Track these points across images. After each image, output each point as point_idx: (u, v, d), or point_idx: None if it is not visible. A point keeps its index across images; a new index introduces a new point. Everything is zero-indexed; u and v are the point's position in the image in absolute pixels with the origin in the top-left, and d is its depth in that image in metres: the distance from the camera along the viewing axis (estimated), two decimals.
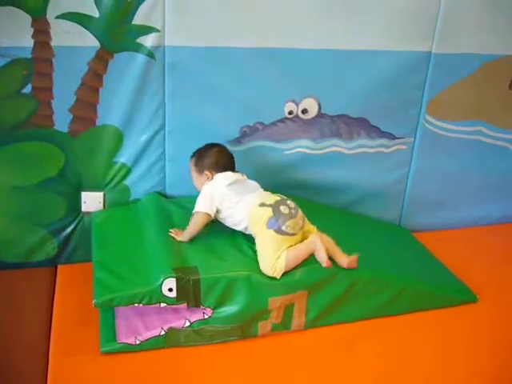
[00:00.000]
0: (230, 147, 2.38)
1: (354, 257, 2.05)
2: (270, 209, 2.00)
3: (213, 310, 1.96)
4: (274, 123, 2.43)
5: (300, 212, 2.05)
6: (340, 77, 2.42)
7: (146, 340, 1.94)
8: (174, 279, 1.89)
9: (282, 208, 2.01)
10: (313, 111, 2.46)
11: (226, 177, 2.12)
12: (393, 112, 2.56)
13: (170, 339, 1.96)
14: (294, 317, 2.06)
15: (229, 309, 1.98)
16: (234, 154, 2.39)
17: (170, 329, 1.95)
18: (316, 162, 2.55)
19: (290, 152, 2.51)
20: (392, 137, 2.61)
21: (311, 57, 2.35)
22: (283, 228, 1.98)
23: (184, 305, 1.93)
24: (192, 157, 2.21)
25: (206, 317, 1.97)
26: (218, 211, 2.08)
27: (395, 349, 2.04)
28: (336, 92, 2.45)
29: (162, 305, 1.91)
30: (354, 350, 2.03)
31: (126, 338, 1.94)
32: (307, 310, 2.07)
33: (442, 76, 2.54)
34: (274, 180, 2.51)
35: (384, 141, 2.61)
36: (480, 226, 2.94)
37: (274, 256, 1.96)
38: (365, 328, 2.12)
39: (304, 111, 2.45)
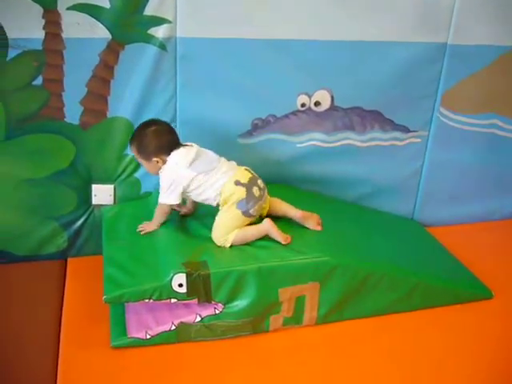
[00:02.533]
0: (241, 140, 2.38)
1: (312, 213, 2.15)
2: (244, 189, 2.00)
3: (224, 304, 1.95)
4: (286, 116, 2.40)
5: (266, 193, 2.08)
6: (353, 69, 2.39)
7: (157, 335, 1.93)
8: (184, 274, 1.88)
9: (255, 190, 2.02)
10: (325, 103, 2.43)
11: (182, 157, 2.02)
12: (407, 104, 2.52)
13: (181, 334, 1.95)
14: (306, 311, 2.05)
15: (240, 303, 1.97)
16: (246, 147, 2.39)
17: (181, 324, 1.95)
18: (329, 154, 2.52)
19: (302, 145, 2.48)
20: (406, 130, 2.58)
21: (324, 48, 2.32)
22: (251, 211, 2.01)
23: (195, 300, 1.92)
24: (131, 144, 2.10)
25: (217, 312, 1.96)
26: (184, 192, 2.04)
27: (409, 345, 2.02)
28: (349, 84, 2.42)
29: (173, 300, 1.90)
30: (366, 346, 2.01)
31: (136, 332, 1.93)
32: (319, 304, 2.05)
33: (457, 68, 2.50)
34: (285, 173, 2.50)
35: (398, 134, 2.58)
36: (494, 220, 2.90)
37: (229, 231, 2.01)
38: (378, 324, 2.10)
39: (317, 103, 2.42)
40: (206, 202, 2.07)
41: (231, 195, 2.00)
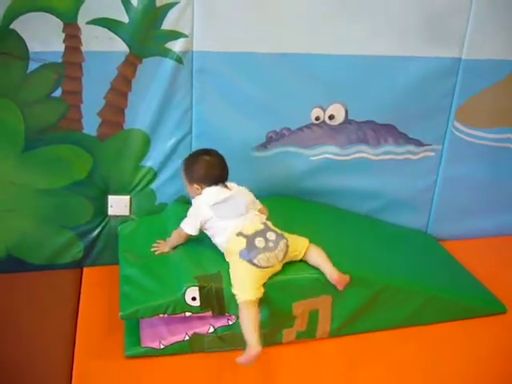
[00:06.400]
0: (256, 153, 2.40)
1: (346, 276, 1.97)
2: (245, 240, 1.94)
3: (237, 316, 1.95)
4: (300, 129, 2.42)
5: (282, 243, 1.96)
6: (368, 83, 2.40)
7: (171, 345, 1.95)
8: (197, 288, 1.89)
9: (258, 241, 1.93)
10: (340, 117, 2.44)
11: (213, 195, 2.02)
12: (421, 118, 2.53)
13: (194, 344, 1.97)
14: (319, 325, 2.04)
15: None
16: (260, 160, 2.40)
17: (194, 334, 1.96)
18: (342, 168, 2.53)
19: (316, 158, 2.49)
20: (420, 144, 2.58)
21: (338, 62, 2.34)
22: (254, 261, 1.91)
23: (209, 313, 1.93)
24: (182, 163, 2.14)
25: (230, 323, 1.96)
26: (202, 228, 2.04)
27: (422, 359, 2.01)
28: (363, 98, 2.43)
29: (187, 314, 1.92)
30: (379, 359, 2.00)
31: (150, 342, 1.94)
32: (332, 317, 2.05)
33: (471, 82, 2.50)
34: (299, 186, 2.51)
35: (411, 147, 2.58)
36: (508, 235, 2.88)
37: (244, 284, 1.90)
38: (391, 338, 2.10)
39: (331, 117, 2.43)
40: (219, 247, 2.04)
41: (233, 248, 1.96)
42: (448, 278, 2.35)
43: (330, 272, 1.97)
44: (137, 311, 1.89)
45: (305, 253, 2.02)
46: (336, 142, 2.49)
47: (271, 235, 1.96)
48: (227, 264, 1.99)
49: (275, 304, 1.96)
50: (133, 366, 1.90)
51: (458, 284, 2.34)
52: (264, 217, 2.05)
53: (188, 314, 1.91)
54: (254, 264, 1.91)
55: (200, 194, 2.05)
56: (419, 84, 2.45)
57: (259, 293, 1.90)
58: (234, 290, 1.92)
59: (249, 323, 1.86)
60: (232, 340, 1.97)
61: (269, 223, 2.01)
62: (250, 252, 1.92)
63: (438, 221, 2.76)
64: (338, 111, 2.43)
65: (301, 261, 2.02)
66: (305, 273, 1.99)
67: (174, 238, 2.10)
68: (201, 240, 2.10)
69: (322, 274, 1.99)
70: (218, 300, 1.92)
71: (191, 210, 2.05)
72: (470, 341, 2.12)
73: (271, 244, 1.94)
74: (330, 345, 2.05)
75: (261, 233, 1.96)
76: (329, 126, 2.45)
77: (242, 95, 2.29)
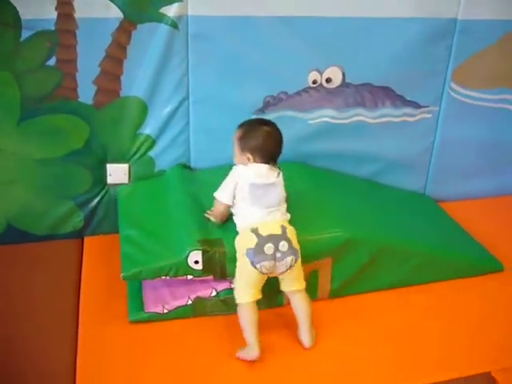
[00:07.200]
0: (253, 117, 2.38)
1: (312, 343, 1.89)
2: (256, 240, 1.83)
3: None
4: (297, 93, 2.41)
5: (290, 259, 1.85)
6: (364, 45, 2.39)
7: (174, 309, 1.97)
8: (200, 251, 1.91)
9: (267, 247, 1.82)
10: (337, 80, 2.43)
11: (257, 173, 1.90)
12: (418, 80, 2.52)
13: (197, 308, 1.99)
14: (320, 285, 2.07)
15: None
16: None
17: (197, 298, 1.98)
18: (340, 131, 2.53)
19: (314, 122, 2.49)
20: (417, 105, 2.58)
21: (335, 25, 2.32)
22: (257, 266, 1.83)
23: (210, 277, 1.95)
24: (239, 128, 2.00)
25: (232, 286, 1.97)
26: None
27: (420, 318, 2.05)
28: (360, 60, 2.42)
29: (189, 277, 1.94)
30: (379, 319, 2.04)
31: (153, 307, 1.97)
32: (332, 278, 2.08)
33: (467, 43, 2.49)
34: (297, 150, 2.50)
35: (409, 109, 2.58)
36: (506, 195, 2.90)
37: (242, 284, 1.88)
38: (390, 297, 2.13)
39: (328, 80, 2.42)
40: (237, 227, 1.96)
41: (242, 240, 1.89)
42: (446, 238, 2.38)
43: (304, 337, 1.89)
44: (139, 272, 1.91)
45: (289, 291, 1.93)
46: (333, 105, 2.48)
47: (284, 245, 1.84)
48: (231, 229, 1.97)
49: None
50: (137, 331, 1.93)
51: (456, 243, 2.37)
52: (289, 218, 1.94)
53: (190, 277, 1.94)
54: (256, 268, 1.84)
55: (246, 164, 1.94)
56: (416, 45, 2.44)
57: (257, 295, 1.88)
58: (234, 286, 1.92)
59: (247, 324, 1.85)
60: (235, 303, 1.98)
61: (289, 229, 1.88)
62: (256, 255, 1.82)
63: (435, 182, 2.77)
64: (335, 74, 2.42)
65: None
66: (305, 237, 1.96)
67: (215, 211, 2.01)
68: (206, 204, 2.09)
69: (322, 236, 2.01)
70: (220, 265, 1.94)
71: (228, 181, 1.94)
72: (469, 298, 2.16)
73: (279, 255, 1.84)
74: (332, 305, 2.08)
75: (275, 238, 1.84)
76: (326, 90, 2.44)
77: (238, 59, 2.27)
